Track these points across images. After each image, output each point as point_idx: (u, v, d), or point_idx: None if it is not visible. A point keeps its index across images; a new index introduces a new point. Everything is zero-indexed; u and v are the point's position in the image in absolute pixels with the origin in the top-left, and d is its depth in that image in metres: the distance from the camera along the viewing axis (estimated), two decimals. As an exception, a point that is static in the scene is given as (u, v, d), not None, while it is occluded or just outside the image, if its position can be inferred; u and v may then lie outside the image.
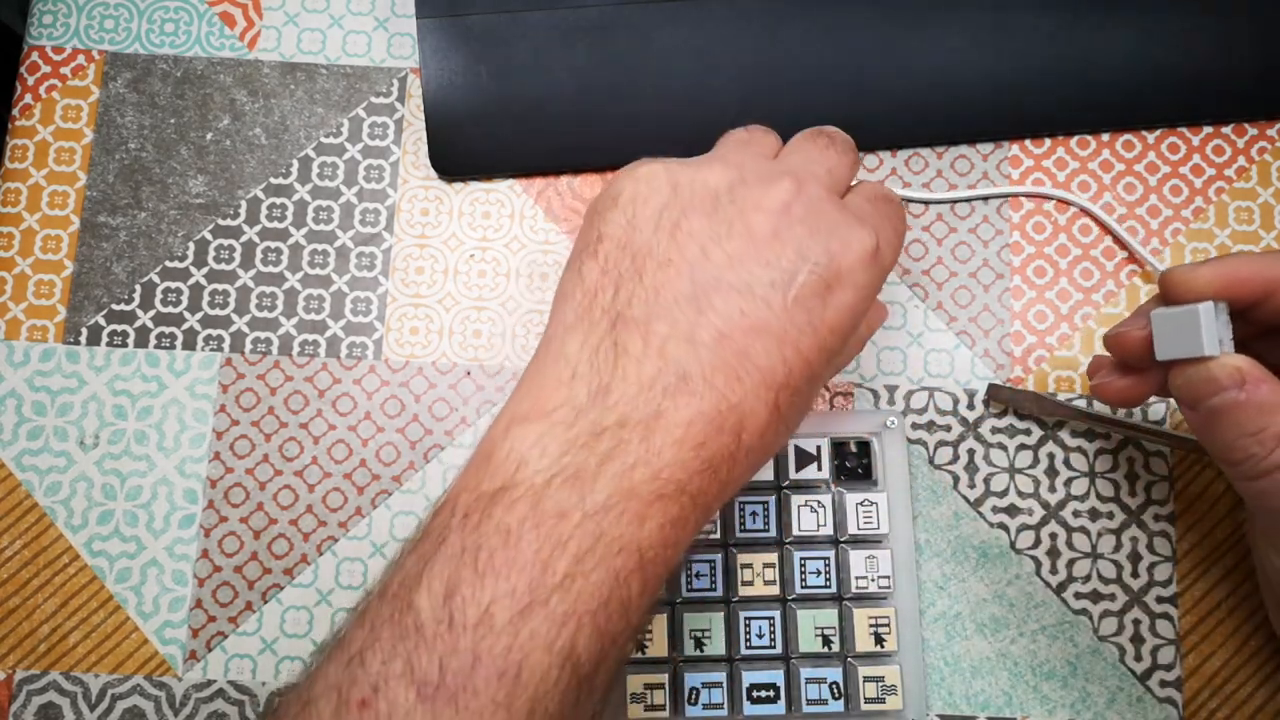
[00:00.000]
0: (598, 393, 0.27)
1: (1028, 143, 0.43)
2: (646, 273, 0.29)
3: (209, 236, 0.42)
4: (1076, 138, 0.43)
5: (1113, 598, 0.40)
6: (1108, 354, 0.35)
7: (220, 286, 0.42)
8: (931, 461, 0.41)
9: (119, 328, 0.42)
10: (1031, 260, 0.43)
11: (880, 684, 0.37)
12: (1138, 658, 0.39)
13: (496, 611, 0.25)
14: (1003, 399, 0.41)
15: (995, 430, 0.41)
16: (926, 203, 0.43)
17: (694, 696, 0.37)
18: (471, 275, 0.43)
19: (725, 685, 0.38)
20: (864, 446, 0.40)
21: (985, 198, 0.43)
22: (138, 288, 0.42)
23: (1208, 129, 0.43)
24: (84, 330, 0.42)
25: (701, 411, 0.27)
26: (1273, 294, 0.30)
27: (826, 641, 0.38)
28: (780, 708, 0.37)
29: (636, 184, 0.30)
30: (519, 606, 0.25)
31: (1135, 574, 0.40)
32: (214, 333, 0.42)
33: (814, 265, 0.29)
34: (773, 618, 0.38)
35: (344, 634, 0.26)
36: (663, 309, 0.28)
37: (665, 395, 0.27)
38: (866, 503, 0.39)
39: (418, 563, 0.26)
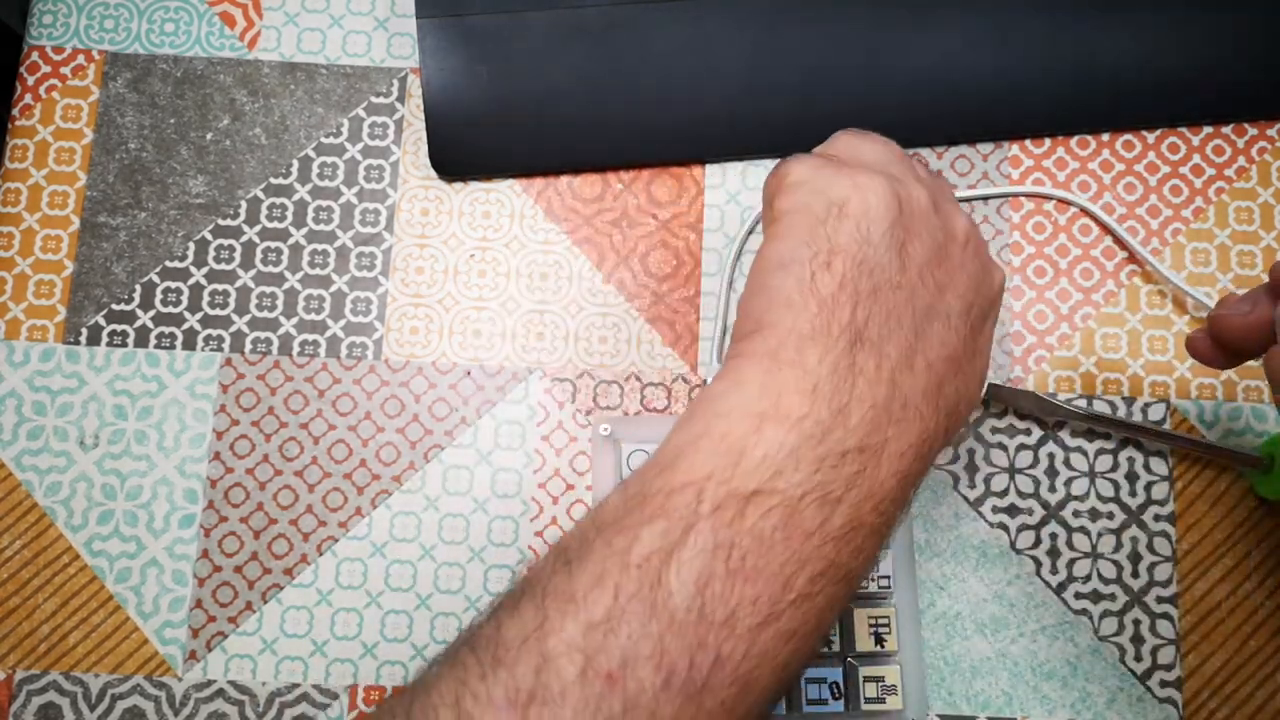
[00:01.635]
0: (839, 412, 0.27)
1: (1028, 143, 0.43)
2: (882, 294, 0.28)
3: (209, 236, 0.42)
4: (1076, 138, 0.43)
5: (1113, 598, 0.40)
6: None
7: (220, 286, 0.42)
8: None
9: (119, 328, 0.42)
10: (1031, 260, 0.43)
11: (880, 684, 0.37)
12: (1138, 658, 0.39)
13: (741, 616, 0.25)
14: (1003, 399, 0.41)
15: (995, 430, 0.41)
16: (926, 203, 0.43)
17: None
18: (471, 275, 0.43)
19: (725, 685, 0.37)
20: (864, 446, 0.40)
21: (985, 198, 0.43)
22: (138, 288, 0.42)
23: (1208, 129, 0.43)
24: (84, 330, 0.42)
25: (912, 442, 0.28)
26: None
27: (827, 641, 0.38)
28: (780, 707, 0.37)
29: (864, 195, 0.29)
30: (760, 617, 0.25)
31: (1135, 574, 0.40)
32: (214, 333, 0.42)
33: (981, 296, 0.31)
34: (773, 618, 0.38)
35: (577, 591, 0.25)
36: (892, 333, 0.28)
37: (891, 423, 0.28)
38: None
39: (661, 540, 0.25)
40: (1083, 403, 0.41)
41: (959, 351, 0.30)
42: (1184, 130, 0.43)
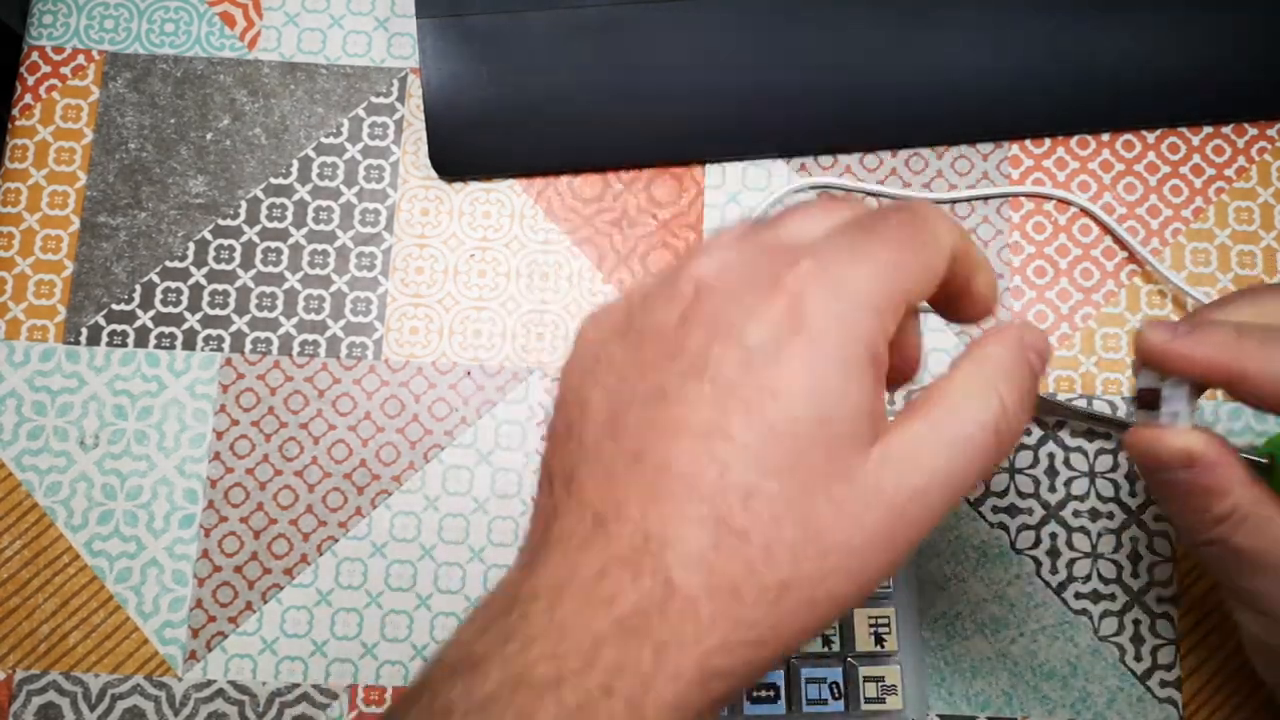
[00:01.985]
0: (523, 567, 0.23)
1: (1028, 143, 0.43)
2: (574, 429, 0.24)
3: (209, 236, 0.42)
4: (1076, 138, 0.43)
5: (1113, 598, 0.40)
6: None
7: (220, 286, 0.42)
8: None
9: (119, 328, 0.42)
10: (1031, 260, 0.43)
11: (880, 684, 0.38)
12: (1138, 658, 0.39)
13: None
14: (1003, 399, 0.41)
15: (995, 430, 0.41)
16: (926, 203, 0.43)
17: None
18: (471, 275, 0.43)
19: (725, 685, 0.37)
20: (864, 446, 0.40)
21: (985, 198, 0.43)
22: (138, 288, 0.42)
23: (1208, 129, 0.43)
24: (84, 330, 0.42)
25: (613, 555, 0.21)
26: (1238, 383, 0.28)
27: (826, 641, 0.38)
28: (780, 707, 0.37)
29: (579, 332, 0.26)
30: None
31: (1135, 574, 0.40)
32: (214, 333, 0.42)
33: (732, 330, 0.23)
34: (773, 618, 0.38)
35: None
36: (586, 455, 0.23)
37: (578, 549, 0.22)
38: (866, 503, 0.39)
39: None
40: (1083, 403, 0.41)
41: (686, 417, 0.22)
42: (1184, 130, 0.43)
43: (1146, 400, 0.30)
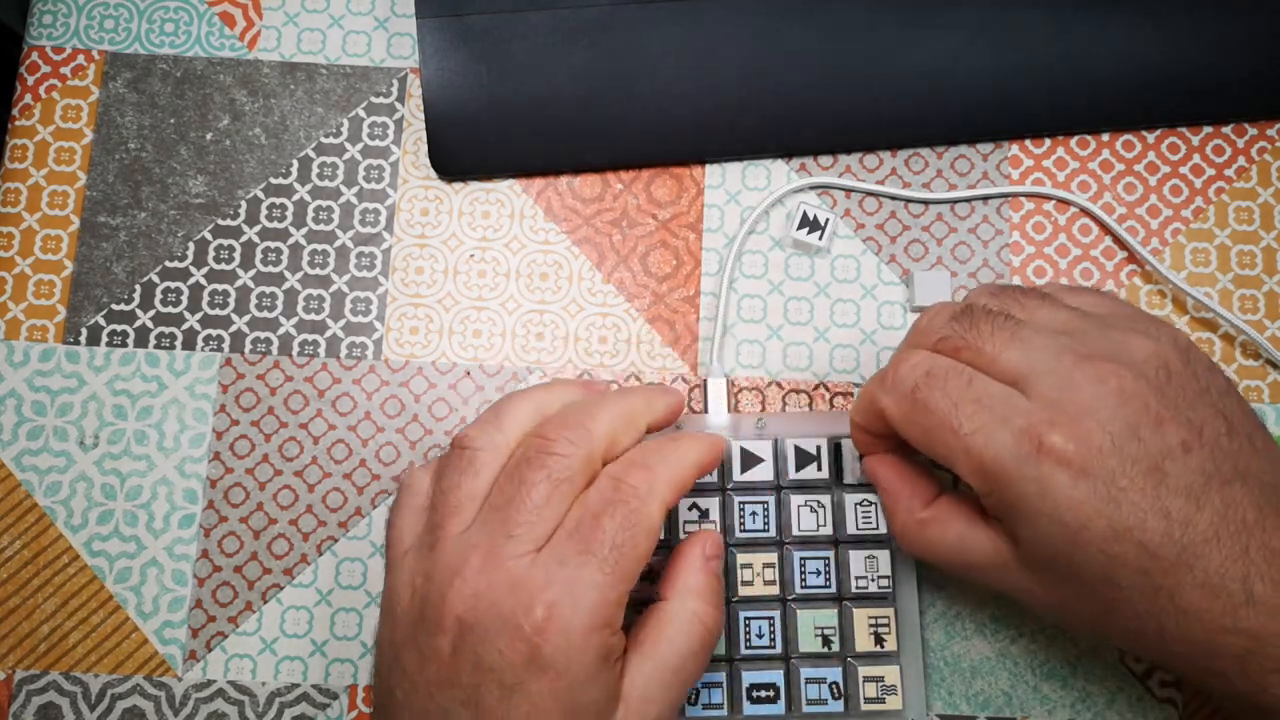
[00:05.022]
0: None
1: (1028, 143, 0.43)
2: (392, 704, 0.32)
3: (209, 236, 0.42)
4: (1076, 138, 0.43)
5: (1113, 598, 0.40)
6: None
7: (220, 286, 0.42)
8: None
9: (119, 328, 0.42)
10: (1031, 260, 0.43)
11: (880, 684, 0.37)
12: (1138, 658, 0.39)
13: None
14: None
15: (995, 430, 0.41)
16: (926, 203, 0.43)
17: (694, 697, 0.37)
18: (471, 275, 0.43)
19: (725, 685, 0.38)
20: (864, 446, 0.40)
21: (985, 198, 0.43)
22: (138, 288, 0.42)
23: (1208, 129, 0.43)
24: (84, 330, 0.42)
25: None
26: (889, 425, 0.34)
27: (826, 641, 0.38)
28: (780, 708, 0.37)
29: None
30: None
31: (1135, 574, 0.40)
32: (214, 333, 0.42)
33: (489, 673, 0.29)
34: (773, 618, 0.38)
35: None
36: None
37: None
38: (866, 502, 0.39)
39: None
40: (1083, 403, 0.41)
41: None
42: (1184, 130, 0.43)
43: None
